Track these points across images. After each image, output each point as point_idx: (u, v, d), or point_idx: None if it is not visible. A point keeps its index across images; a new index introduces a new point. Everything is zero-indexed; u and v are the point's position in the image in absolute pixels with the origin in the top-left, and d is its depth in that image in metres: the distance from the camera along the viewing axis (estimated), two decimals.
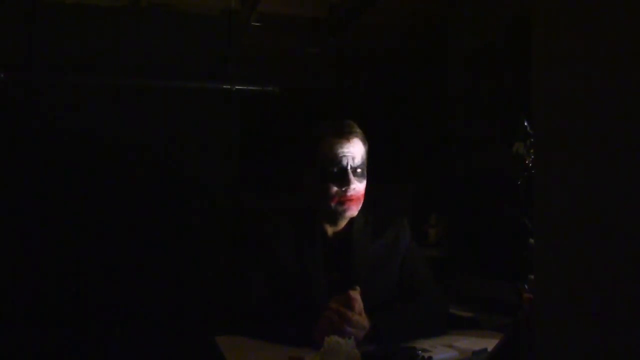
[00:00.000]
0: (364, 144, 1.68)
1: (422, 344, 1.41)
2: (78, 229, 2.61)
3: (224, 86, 2.77)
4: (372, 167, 1.72)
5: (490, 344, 1.36)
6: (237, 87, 2.78)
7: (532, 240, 1.29)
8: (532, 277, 1.20)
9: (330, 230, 1.68)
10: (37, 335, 2.49)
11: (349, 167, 1.61)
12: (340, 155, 1.61)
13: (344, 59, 2.95)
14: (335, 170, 1.61)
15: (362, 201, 1.66)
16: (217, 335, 1.50)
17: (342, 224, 1.69)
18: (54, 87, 2.62)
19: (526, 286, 1.25)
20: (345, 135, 1.64)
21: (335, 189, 1.61)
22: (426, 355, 1.30)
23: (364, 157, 1.67)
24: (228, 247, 2.60)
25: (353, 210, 1.64)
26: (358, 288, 1.49)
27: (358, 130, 1.69)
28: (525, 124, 1.61)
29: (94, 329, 2.57)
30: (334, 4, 2.70)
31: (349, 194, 1.61)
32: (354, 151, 1.63)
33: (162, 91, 2.74)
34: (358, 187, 1.63)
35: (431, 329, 1.58)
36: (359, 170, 1.64)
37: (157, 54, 2.73)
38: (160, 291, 2.65)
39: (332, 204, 1.61)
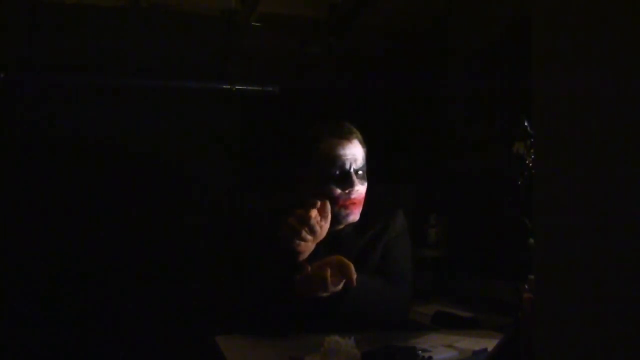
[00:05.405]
0: (363, 146, 1.64)
1: (423, 344, 1.40)
2: (78, 229, 2.61)
3: (224, 86, 2.77)
4: (372, 168, 1.70)
5: (490, 344, 1.36)
6: (237, 87, 2.78)
7: (532, 240, 1.29)
8: (532, 277, 1.20)
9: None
10: (37, 335, 2.49)
11: (351, 169, 1.57)
12: (343, 157, 1.56)
13: (344, 59, 2.94)
14: (338, 172, 1.56)
15: (362, 205, 1.61)
16: (217, 335, 1.50)
17: (341, 227, 1.63)
18: (54, 87, 2.62)
19: (526, 286, 1.25)
20: (345, 136, 1.60)
21: (338, 191, 1.55)
22: (426, 355, 1.29)
23: (364, 159, 1.63)
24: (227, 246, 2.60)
25: (355, 215, 1.59)
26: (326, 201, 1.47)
27: (357, 132, 1.65)
28: (525, 124, 1.61)
29: (94, 329, 2.57)
30: (334, 4, 2.69)
31: (352, 196, 1.56)
32: (356, 153, 1.59)
33: (162, 91, 2.74)
34: (360, 189, 1.58)
35: (379, 312, 1.53)
36: (360, 172, 1.59)
37: (157, 54, 2.73)
38: (161, 291, 2.65)
39: (335, 208, 1.53)
